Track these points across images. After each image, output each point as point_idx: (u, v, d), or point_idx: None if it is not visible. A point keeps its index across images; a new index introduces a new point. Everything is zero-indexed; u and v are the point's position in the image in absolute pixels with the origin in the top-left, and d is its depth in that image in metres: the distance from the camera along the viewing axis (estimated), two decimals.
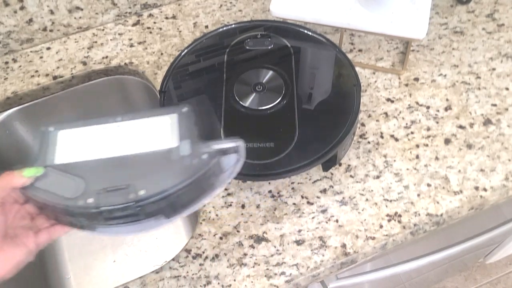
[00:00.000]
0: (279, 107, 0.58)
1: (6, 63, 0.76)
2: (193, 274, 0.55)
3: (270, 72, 0.62)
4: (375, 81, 0.70)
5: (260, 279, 0.55)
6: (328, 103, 0.59)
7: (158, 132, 0.46)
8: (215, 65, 0.64)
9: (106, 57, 0.76)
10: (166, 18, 0.80)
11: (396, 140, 0.64)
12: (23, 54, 0.77)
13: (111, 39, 0.78)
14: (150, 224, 0.43)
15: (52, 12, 0.75)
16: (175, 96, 0.62)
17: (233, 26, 0.67)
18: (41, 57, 0.77)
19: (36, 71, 0.75)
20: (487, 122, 0.65)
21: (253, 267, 0.56)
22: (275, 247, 0.57)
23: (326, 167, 0.59)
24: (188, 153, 0.44)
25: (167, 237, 0.82)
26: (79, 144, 0.46)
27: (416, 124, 0.65)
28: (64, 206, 0.41)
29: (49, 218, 0.44)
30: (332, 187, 0.61)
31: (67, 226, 0.44)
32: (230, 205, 0.60)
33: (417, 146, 0.63)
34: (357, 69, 0.70)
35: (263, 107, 0.58)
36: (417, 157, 0.63)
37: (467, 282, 1.38)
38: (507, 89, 0.68)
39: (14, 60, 0.77)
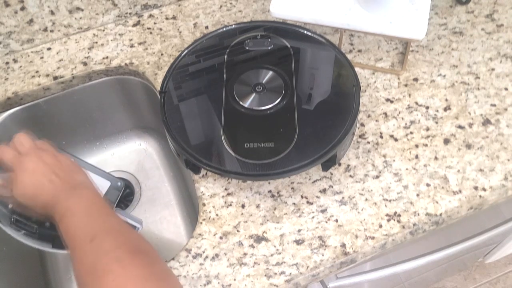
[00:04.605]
0: (279, 107, 0.59)
1: (7, 63, 0.77)
2: (193, 274, 0.56)
3: (270, 73, 0.62)
4: (375, 82, 0.70)
5: (260, 279, 0.55)
6: (328, 103, 0.60)
7: None
8: (215, 65, 0.64)
9: (107, 57, 0.76)
10: (167, 18, 0.80)
11: (396, 140, 0.64)
12: (23, 54, 0.77)
13: (111, 40, 0.78)
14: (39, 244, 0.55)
15: (52, 13, 0.75)
16: (175, 96, 0.62)
17: (233, 26, 0.67)
18: (41, 58, 0.77)
19: (37, 72, 0.75)
20: (486, 122, 0.65)
21: (253, 266, 0.56)
22: (275, 246, 0.57)
23: (325, 167, 0.59)
24: None
25: (167, 237, 0.82)
26: None
27: (415, 124, 0.66)
28: None
29: None
30: (332, 187, 0.61)
31: None
32: (230, 205, 0.60)
33: (417, 146, 0.64)
34: (357, 69, 0.70)
35: (263, 107, 0.59)
36: (417, 157, 0.63)
37: (467, 281, 1.39)
38: (506, 89, 0.68)
39: (15, 61, 0.77)
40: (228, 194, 0.61)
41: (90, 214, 0.45)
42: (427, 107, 0.67)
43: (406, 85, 0.69)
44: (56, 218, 0.47)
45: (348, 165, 0.62)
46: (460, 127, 0.65)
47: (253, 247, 0.57)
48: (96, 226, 0.43)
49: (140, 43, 0.78)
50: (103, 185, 0.58)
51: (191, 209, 0.81)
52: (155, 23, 0.80)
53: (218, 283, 0.55)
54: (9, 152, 0.51)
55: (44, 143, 0.54)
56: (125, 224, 0.45)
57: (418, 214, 0.58)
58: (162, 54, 0.76)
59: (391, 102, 0.68)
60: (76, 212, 0.45)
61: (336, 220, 0.58)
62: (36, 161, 0.49)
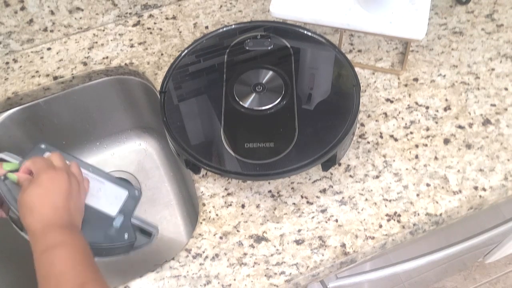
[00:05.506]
0: (279, 107, 0.59)
1: (7, 63, 0.77)
2: (193, 274, 0.56)
3: (270, 73, 0.62)
4: (375, 82, 0.70)
5: (260, 279, 0.55)
6: (328, 103, 0.60)
7: (108, 196, 0.57)
8: (215, 65, 0.64)
9: (107, 57, 0.76)
10: (167, 18, 0.80)
11: (396, 140, 0.64)
12: (23, 54, 0.77)
13: (111, 40, 0.78)
14: None
15: (52, 13, 0.75)
16: (175, 96, 0.62)
17: (233, 26, 0.67)
18: (41, 58, 0.77)
19: (37, 72, 0.75)
20: (486, 122, 0.65)
21: (253, 266, 0.56)
22: (275, 246, 0.57)
23: (325, 167, 0.59)
24: (117, 226, 0.56)
25: (167, 236, 0.82)
26: None
27: (415, 124, 0.66)
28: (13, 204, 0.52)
29: None
30: (332, 187, 0.61)
31: (4, 213, 0.55)
32: (230, 205, 0.60)
33: (417, 146, 0.64)
34: (357, 69, 0.70)
35: (263, 107, 0.59)
36: (417, 157, 0.63)
37: (467, 281, 1.39)
38: (506, 89, 0.68)
39: (15, 61, 0.77)
40: (228, 194, 0.61)
41: (82, 257, 0.46)
42: (427, 107, 0.67)
43: (406, 85, 0.69)
44: (39, 244, 0.45)
45: (348, 165, 0.62)
46: (460, 127, 0.65)
47: (253, 247, 0.57)
48: (87, 272, 0.44)
49: (140, 43, 0.78)
50: (120, 195, 0.57)
51: (191, 209, 0.81)
52: (155, 23, 0.80)
53: (218, 283, 0.55)
54: (40, 163, 0.51)
55: (74, 165, 0.55)
56: (102, 276, 0.46)
57: (418, 214, 0.58)
58: (162, 54, 0.76)
59: (391, 102, 0.68)
60: (70, 249, 0.45)
61: (336, 220, 0.58)
62: (52, 181, 0.49)
